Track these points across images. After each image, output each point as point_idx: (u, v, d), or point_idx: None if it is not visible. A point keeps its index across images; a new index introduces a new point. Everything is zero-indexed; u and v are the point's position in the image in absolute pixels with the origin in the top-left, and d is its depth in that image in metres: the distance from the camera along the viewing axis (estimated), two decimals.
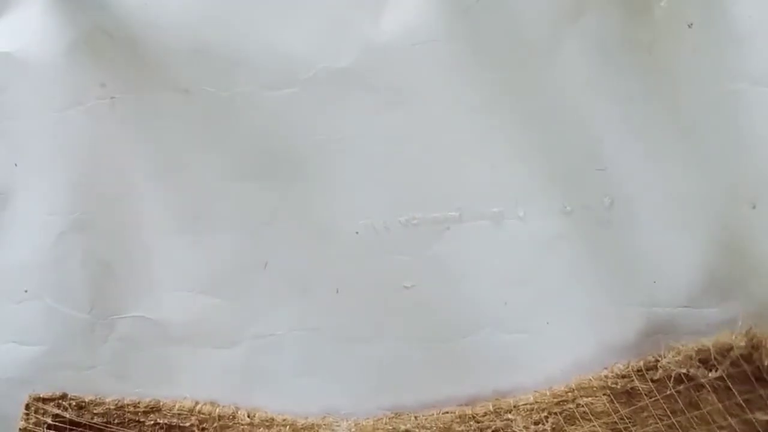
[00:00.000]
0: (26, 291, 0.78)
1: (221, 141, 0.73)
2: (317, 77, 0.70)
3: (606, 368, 0.67)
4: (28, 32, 0.75)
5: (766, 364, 0.59)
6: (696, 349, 0.62)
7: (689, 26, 0.64)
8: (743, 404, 0.60)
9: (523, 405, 0.68)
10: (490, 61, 0.68)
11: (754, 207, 0.64)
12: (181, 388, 0.76)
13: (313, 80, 0.70)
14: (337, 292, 0.73)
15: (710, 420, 0.62)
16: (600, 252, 0.68)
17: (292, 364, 0.74)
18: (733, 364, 0.60)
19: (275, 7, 0.70)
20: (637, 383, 0.65)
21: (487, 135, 0.69)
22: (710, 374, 0.61)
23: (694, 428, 0.63)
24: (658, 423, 0.64)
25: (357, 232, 0.71)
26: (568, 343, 0.69)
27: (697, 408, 0.63)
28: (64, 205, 0.76)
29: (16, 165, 0.77)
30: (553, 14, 0.66)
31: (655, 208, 0.66)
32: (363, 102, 0.70)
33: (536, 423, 0.67)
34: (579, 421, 0.66)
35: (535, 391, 0.69)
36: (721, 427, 0.62)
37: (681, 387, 0.63)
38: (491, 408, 0.68)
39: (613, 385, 0.66)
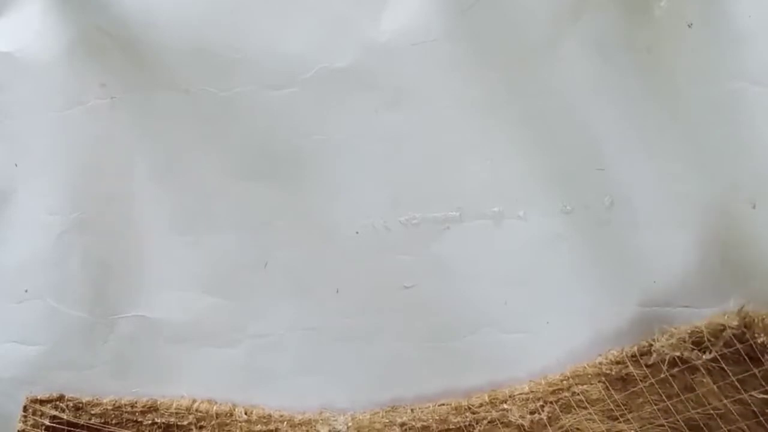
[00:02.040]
0: (26, 291, 0.78)
1: (221, 141, 0.73)
2: (317, 77, 0.70)
3: (600, 355, 0.67)
4: (28, 32, 0.75)
5: (759, 342, 0.59)
6: (689, 331, 0.62)
7: (689, 26, 0.64)
8: (737, 384, 0.61)
9: (519, 395, 0.68)
10: (489, 61, 0.68)
11: (754, 207, 0.64)
12: (182, 388, 0.76)
13: (313, 80, 0.70)
14: (337, 292, 0.73)
15: (705, 402, 0.62)
16: (600, 252, 0.68)
17: (293, 364, 0.74)
18: (726, 344, 0.61)
19: (275, 7, 0.70)
20: (631, 369, 0.65)
21: (487, 135, 0.69)
22: (704, 356, 0.62)
23: (689, 411, 0.63)
24: (653, 407, 0.64)
25: (357, 232, 0.71)
26: (567, 342, 0.69)
27: (692, 390, 0.63)
28: (64, 205, 0.76)
29: (16, 165, 0.77)
30: (553, 14, 0.66)
31: (654, 208, 0.66)
32: (363, 102, 0.70)
33: (532, 412, 0.67)
34: (575, 409, 0.66)
35: (531, 381, 0.69)
36: (716, 409, 0.62)
37: (675, 370, 0.63)
38: (487, 399, 0.69)
39: (608, 372, 0.66)
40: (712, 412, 0.62)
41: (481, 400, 0.69)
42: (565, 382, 0.67)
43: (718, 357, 0.61)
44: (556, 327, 0.70)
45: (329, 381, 0.74)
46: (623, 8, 0.65)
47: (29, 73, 0.75)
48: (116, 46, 0.72)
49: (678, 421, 0.63)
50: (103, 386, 0.76)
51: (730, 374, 0.61)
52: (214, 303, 0.75)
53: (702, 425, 0.63)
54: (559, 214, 0.69)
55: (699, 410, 0.63)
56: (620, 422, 0.65)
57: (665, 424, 0.64)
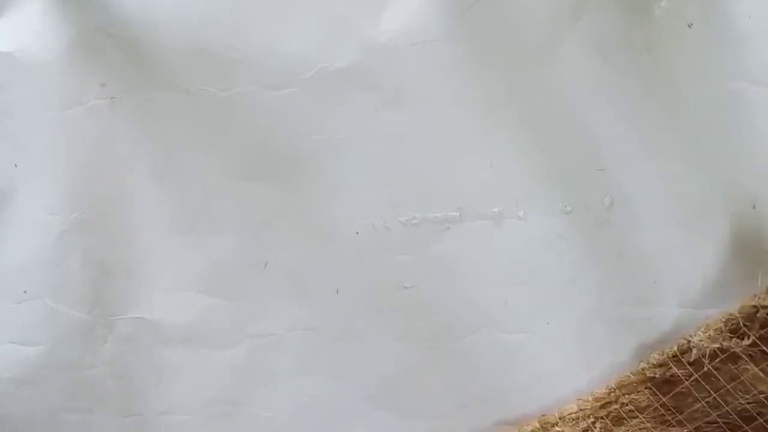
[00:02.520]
0: (26, 291, 0.78)
1: (221, 141, 0.73)
2: (317, 77, 0.70)
3: (642, 360, 0.67)
4: (28, 32, 0.75)
5: None
6: (724, 319, 0.62)
7: (689, 26, 0.64)
8: None
9: (569, 415, 0.67)
10: (489, 61, 0.68)
11: (754, 207, 0.64)
12: (182, 388, 0.76)
13: (313, 80, 0.70)
14: (337, 292, 0.73)
15: (753, 388, 0.62)
16: (600, 252, 0.68)
17: (292, 364, 0.74)
18: (762, 325, 0.60)
19: (275, 7, 0.70)
20: (675, 369, 0.64)
21: (487, 135, 0.69)
22: (743, 342, 0.61)
23: (738, 401, 0.62)
24: (702, 404, 0.64)
25: (357, 232, 0.71)
26: (567, 342, 0.69)
27: (737, 379, 0.62)
28: (64, 205, 0.76)
29: (16, 165, 0.77)
30: (553, 14, 0.66)
31: (655, 208, 0.67)
32: (363, 102, 0.70)
33: (584, 430, 0.67)
34: (626, 419, 0.66)
35: (578, 399, 0.68)
36: (763, 393, 0.61)
37: (717, 362, 0.62)
38: (538, 425, 0.68)
39: (652, 376, 0.65)
40: (761, 397, 0.61)
41: (532, 427, 0.68)
42: (611, 394, 0.67)
43: (757, 340, 0.60)
44: (557, 327, 0.70)
45: (329, 381, 0.74)
46: (623, 8, 0.65)
47: (29, 73, 0.75)
48: (116, 46, 0.72)
49: (729, 413, 0.63)
50: (103, 387, 0.76)
51: None
52: (214, 303, 0.75)
53: (754, 414, 0.62)
54: (559, 214, 0.69)
55: (748, 397, 0.62)
56: (673, 425, 0.65)
57: (718, 420, 0.63)
